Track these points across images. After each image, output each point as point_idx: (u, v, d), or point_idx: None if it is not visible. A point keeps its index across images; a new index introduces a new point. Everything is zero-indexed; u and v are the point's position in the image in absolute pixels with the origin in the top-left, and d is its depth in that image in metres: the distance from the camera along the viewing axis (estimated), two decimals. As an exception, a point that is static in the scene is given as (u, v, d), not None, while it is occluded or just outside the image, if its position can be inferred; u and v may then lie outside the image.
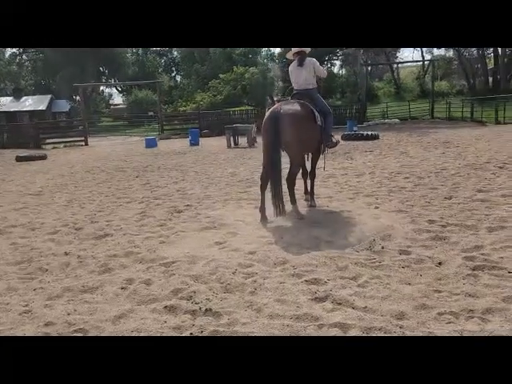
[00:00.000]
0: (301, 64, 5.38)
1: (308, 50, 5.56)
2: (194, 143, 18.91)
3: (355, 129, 18.87)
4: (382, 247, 3.90)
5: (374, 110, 28.93)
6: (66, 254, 4.29)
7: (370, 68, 43.70)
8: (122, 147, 20.22)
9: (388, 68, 48.63)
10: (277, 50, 33.83)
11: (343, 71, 48.41)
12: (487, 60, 40.65)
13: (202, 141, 20.05)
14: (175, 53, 52.86)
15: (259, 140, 18.27)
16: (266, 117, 5.03)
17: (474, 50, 39.40)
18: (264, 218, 5.10)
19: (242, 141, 17.40)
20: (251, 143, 17.05)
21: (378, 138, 16.22)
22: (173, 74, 55.90)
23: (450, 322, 2.53)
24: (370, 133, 16.57)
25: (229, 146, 17.05)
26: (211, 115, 26.68)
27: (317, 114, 5.19)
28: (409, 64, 47.96)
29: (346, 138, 16.65)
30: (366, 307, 2.78)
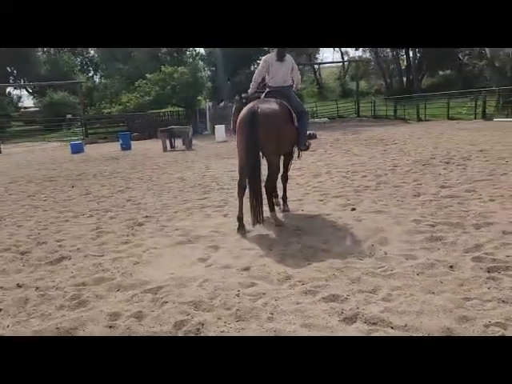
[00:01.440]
0: (281, 59, 5.02)
1: None
2: (126, 147, 17.81)
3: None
4: (385, 253, 3.68)
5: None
6: (19, 286, 3.54)
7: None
8: (43, 154, 18.48)
9: (309, 69, 49.97)
10: (201, 50, 33.16)
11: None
12: (401, 61, 43.44)
13: (134, 144, 18.98)
14: (92, 51, 49.85)
15: (202, 142, 17.94)
16: (241, 116, 4.60)
17: (388, 51, 41.92)
18: (242, 228, 4.69)
19: (179, 143, 16.71)
20: (189, 146, 16.43)
21: (317, 137, 16.40)
22: (90, 74, 52.67)
23: (502, 335, 2.34)
24: (309, 132, 16.68)
25: (165, 150, 16.26)
26: (139, 117, 25.47)
27: (294, 114, 4.89)
28: (329, 64, 49.80)
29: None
30: (406, 325, 2.51)
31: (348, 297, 2.92)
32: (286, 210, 5.42)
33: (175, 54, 36.31)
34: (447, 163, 8.41)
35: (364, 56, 43.98)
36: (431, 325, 2.48)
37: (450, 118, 20.97)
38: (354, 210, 5.30)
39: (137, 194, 7.51)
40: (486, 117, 19.02)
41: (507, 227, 4.13)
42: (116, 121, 26.36)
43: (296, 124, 4.93)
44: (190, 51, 33.46)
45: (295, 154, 5.57)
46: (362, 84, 44.81)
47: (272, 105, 4.66)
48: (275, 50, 5.06)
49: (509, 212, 4.66)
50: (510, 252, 3.49)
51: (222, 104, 31.07)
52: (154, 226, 5.22)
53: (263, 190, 4.67)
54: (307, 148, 5.41)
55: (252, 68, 36.60)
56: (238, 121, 4.63)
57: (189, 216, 5.61)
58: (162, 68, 25.97)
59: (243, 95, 5.68)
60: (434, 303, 2.74)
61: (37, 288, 3.46)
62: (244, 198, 4.74)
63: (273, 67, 5.05)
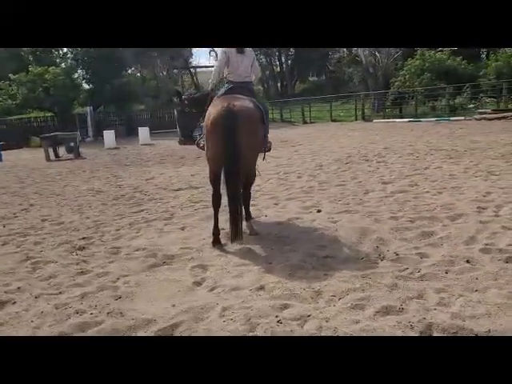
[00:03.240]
0: (241, 51, 4.53)
1: None
2: (-3, 159, 15.27)
3: (200, 132, 18.26)
4: (396, 253, 3.53)
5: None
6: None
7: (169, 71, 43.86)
8: None
9: (186, 72, 49.36)
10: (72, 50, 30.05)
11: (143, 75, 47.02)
12: (274, 67, 45.59)
13: (3, 155, 16.37)
14: None
15: (89, 150, 16.03)
16: (215, 116, 4.03)
17: (263, 58, 43.61)
18: (217, 242, 4.14)
19: (62, 151, 14.89)
20: (77, 154, 14.74)
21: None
22: None
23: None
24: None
25: (48, 159, 14.36)
26: (4, 124, 22.16)
27: (263, 113, 4.48)
28: (206, 69, 49.87)
29: (183, 142, 15.96)
30: (489, 330, 2.34)
31: (402, 306, 2.66)
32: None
33: (38, 53, 32.47)
34: (367, 160, 8.83)
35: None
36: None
37: (332, 120, 22.50)
38: (319, 211, 5.11)
39: (49, 211, 6.29)
40: (365, 118, 20.82)
41: (478, 217, 4.33)
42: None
43: (265, 123, 4.54)
44: (57, 50, 30.20)
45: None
46: (240, 89, 46.02)
47: (246, 102, 4.19)
48: None
49: (464, 202, 4.92)
50: (507, 240, 3.62)
51: (101, 109, 28.88)
52: (101, 248, 4.33)
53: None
54: (270, 149, 5.04)
55: (130, 70, 34.87)
56: (211, 121, 4.05)
57: (138, 233, 4.81)
58: (30, 68, 22.96)
59: (184, 96, 4.96)
60: (491, 301, 2.64)
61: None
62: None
63: (233, 60, 4.56)
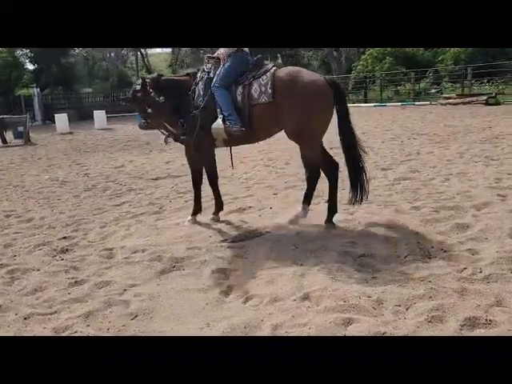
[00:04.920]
0: None
1: None
2: None
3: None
4: (444, 250, 3.15)
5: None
6: None
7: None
8: None
9: (133, 54, 47.09)
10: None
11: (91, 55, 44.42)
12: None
13: None
14: None
15: (39, 135, 14.51)
16: (325, 85, 3.62)
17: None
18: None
19: (9, 137, 13.54)
20: (27, 139, 13.43)
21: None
22: None
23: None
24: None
25: (-5, 145, 12.96)
26: None
27: None
28: (159, 50, 47.99)
29: (144, 126, 15.02)
30: None
31: (488, 318, 2.27)
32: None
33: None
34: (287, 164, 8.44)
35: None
36: None
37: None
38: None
39: (12, 206, 5.43)
40: (329, 103, 20.65)
41: (504, 205, 4.07)
42: None
43: None
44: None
45: None
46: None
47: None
48: None
49: (480, 189, 4.67)
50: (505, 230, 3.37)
51: (46, 91, 26.82)
52: (89, 250, 3.67)
53: None
54: None
55: (77, 50, 32.61)
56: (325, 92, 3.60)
57: (128, 230, 4.16)
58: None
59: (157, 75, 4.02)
60: None
61: None
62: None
63: None
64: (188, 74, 4.07)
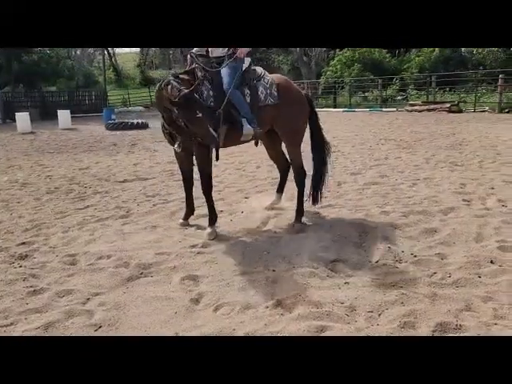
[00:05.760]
0: None
1: None
2: None
3: (113, 117, 16.87)
4: (414, 255, 3.17)
5: (112, 96, 26.97)
6: None
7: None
8: None
9: (100, 53, 46.05)
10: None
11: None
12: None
13: None
14: None
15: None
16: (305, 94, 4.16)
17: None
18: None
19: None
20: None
21: (148, 127, 15.01)
22: None
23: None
24: (139, 121, 15.16)
25: (-50, 144, 12.28)
26: None
27: None
28: (127, 50, 47.13)
29: (111, 127, 14.72)
30: None
31: (459, 323, 2.28)
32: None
33: None
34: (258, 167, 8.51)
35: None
36: None
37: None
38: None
39: (-33, 209, 5.12)
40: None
41: (469, 210, 4.16)
42: None
43: None
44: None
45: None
46: (163, 73, 44.08)
47: None
48: None
49: (446, 194, 4.77)
50: (473, 232, 3.46)
51: (7, 88, 25.76)
52: (51, 256, 3.48)
53: None
54: None
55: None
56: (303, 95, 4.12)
57: (93, 235, 3.98)
58: None
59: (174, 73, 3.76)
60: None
61: None
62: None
63: None
64: (186, 73, 3.82)
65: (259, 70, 3.93)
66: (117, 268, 3.17)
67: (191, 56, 3.73)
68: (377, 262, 3.12)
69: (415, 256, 3.15)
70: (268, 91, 3.80)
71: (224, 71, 3.66)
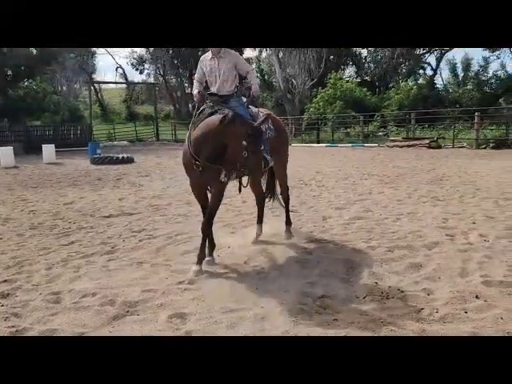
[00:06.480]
0: (217, 53, 3.86)
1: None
2: None
3: (99, 151, 16.87)
4: (400, 290, 3.20)
5: (98, 131, 27.03)
6: None
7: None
8: None
9: (87, 88, 46.43)
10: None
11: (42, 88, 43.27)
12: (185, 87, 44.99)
13: None
14: None
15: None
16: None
17: (173, 78, 42.87)
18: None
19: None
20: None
21: (134, 161, 15.03)
22: None
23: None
24: (124, 155, 15.17)
25: None
26: None
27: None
28: (113, 86, 47.56)
29: (96, 162, 14.67)
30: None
31: (447, 358, 2.29)
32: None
33: None
34: (306, 184, 8.67)
35: (149, 80, 43.67)
36: None
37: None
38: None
39: None
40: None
41: (453, 245, 4.24)
42: None
43: None
44: None
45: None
46: (149, 109, 44.51)
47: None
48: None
49: (429, 229, 4.86)
50: (499, 271, 3.51)
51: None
52: (34, 294, 3.40)
53: None
54: None
55: (26, 82, 31.66)
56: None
57: (78, 272, 3.92)
58: None
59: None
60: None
61: None
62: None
63: (207, 68, 3.94)
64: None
65: (252, 107, 4.18)
66: (102, 306, 3.11)
67: (202, 95, 3.91)
68: (364, 297, 3.14)
69: (402, 291, 3.18)
70: (267, 125, 3.98)
71: (241, 109, 3.83)
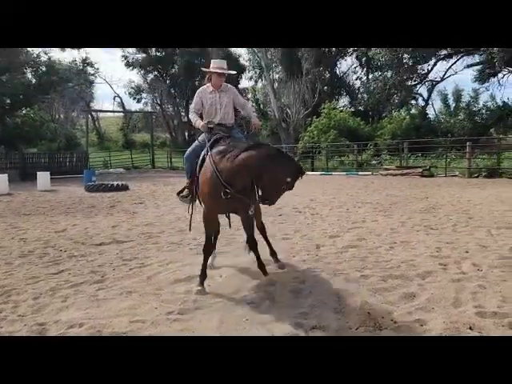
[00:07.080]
0: (218, 86, 4.08)
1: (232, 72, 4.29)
2: None
3: (94, 179, 16.87)
4: (394, 321, 3.15)
5: (94, 159, 27.13)
6: None
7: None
8: None
9: (83, 117, 46.90)
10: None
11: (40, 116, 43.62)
12: (181, 116, 45.52)
13: None
14: None
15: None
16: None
17: (170, 107, 43.42)
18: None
19: None
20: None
21: (128, 189, 15.03)
22: None
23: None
24: (119, 183, 15.17)
25: None
26: None
27: None
28: (110, 114, 48.02)
29: (90, 189, 14.65)
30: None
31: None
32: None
33: None
34: (300, 212, 8.67)
35: (146, 109, 44.18)
36: None
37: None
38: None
39: None
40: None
41: (446, 274, 4.21)
42: None
43: None
44: None
45: None
46: (146, 136, 44.88)
47: None
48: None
49: (422, 258, 4.84)
50: (493, 301, 3.47)
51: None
52: (18, 325, 3.32)
53: None
54: None
55: (24, 110, 31.97)
56: None
57: (66, 302, 3.84)
58: None
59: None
60: None
61: None
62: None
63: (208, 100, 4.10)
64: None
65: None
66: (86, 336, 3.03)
67: (209, 126, 3.99)
68: (357, 328, 3.08)
69: (395, 322, 3.13)
70: None
71: (243, 139, 4.07)
